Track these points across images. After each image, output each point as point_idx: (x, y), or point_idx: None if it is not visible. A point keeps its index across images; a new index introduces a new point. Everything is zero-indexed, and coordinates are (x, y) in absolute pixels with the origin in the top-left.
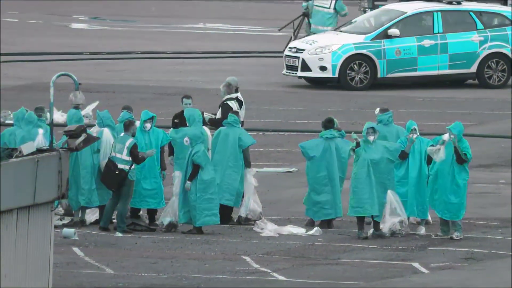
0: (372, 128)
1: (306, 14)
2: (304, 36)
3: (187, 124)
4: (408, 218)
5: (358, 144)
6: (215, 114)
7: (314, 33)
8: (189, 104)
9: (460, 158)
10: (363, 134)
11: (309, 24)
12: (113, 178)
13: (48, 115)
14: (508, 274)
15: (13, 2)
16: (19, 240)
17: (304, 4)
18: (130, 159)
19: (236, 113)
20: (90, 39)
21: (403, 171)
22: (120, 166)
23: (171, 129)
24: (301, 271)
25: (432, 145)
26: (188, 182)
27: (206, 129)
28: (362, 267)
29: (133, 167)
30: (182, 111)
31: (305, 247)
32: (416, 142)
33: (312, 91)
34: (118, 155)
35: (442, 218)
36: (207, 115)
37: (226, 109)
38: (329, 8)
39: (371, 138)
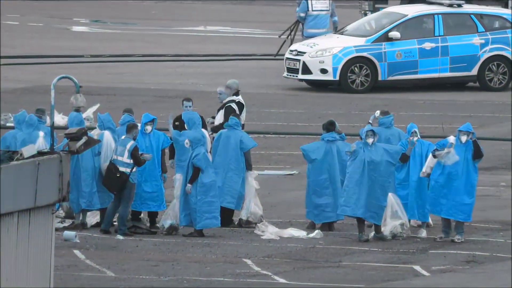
0: (372, 131)
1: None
2: (302, 40)
3: (186, 128)
4: (409, 221)
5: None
6: (214, 117)
7: (308, 37)
8: (190, 106)
9: (478, 152)
10: (362, 136)
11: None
12: (114, 181)
13: (48, 117)
14: (509, 276)
15: (13, 4)
16: (20, 243)
17: (298, 9)
18: (131, 161)
19: (237, 115)
20: (91, 42)
21: (404, 174)
22: (122, 169)
23: (174, 130)
24: (302, 274)
25: (437, 149)
26: (188, 185)
27: (205, 131)
28: (363, 270)
29: (134, 170)
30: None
31: (306, 250)
32: (417, 144)
33: (312, 93)
34: (120, 158)
35: (445, 220)
36: (208, 120)
37: (229, 111)
38: (329, 10)
39: (370, 140)
